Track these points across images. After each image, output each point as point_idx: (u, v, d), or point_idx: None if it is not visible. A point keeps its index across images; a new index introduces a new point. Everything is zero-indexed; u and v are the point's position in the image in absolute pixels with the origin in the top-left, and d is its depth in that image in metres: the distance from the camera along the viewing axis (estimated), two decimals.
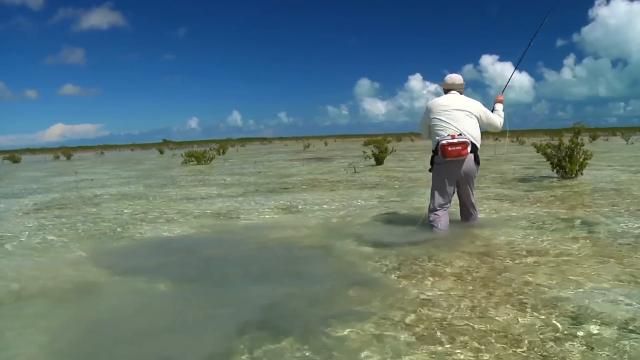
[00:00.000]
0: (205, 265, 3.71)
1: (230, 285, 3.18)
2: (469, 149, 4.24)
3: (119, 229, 5.44)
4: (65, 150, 44.01)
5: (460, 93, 4.60)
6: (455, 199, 4.68)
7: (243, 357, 2.13)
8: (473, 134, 4.36)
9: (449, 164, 4.33)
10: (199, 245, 4.46)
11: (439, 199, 4.46)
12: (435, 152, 4.38)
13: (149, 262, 3.87)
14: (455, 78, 4.60)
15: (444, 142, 4.21)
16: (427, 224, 4.58)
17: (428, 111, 4.53)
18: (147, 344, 2.30)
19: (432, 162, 4.51)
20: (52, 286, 3.31)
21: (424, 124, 4.64)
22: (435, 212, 4.47)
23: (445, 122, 4.35)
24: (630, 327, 2.26)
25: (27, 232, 5.44)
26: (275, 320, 2.52)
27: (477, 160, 4.40)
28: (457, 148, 4.18)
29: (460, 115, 4.36)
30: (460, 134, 4.26)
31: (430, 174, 4.63)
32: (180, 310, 2.75)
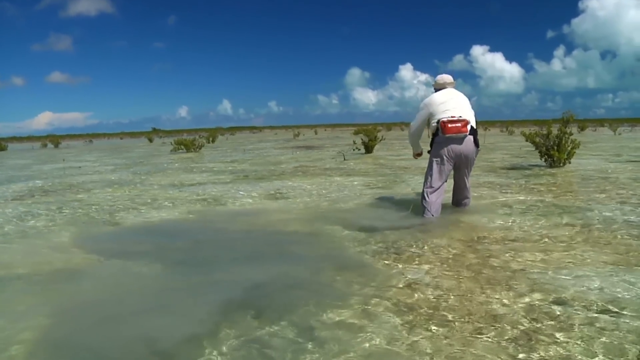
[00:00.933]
0: (191, 249, 3.69)
1: (217, 267, 3.16)
2: (468, 128, 4.36)
3: (105, 215, 5.38)
4: (53, 139, 43.27)
5: None
6: (448, 188, 4.69)
7: (226, 337, 2.11)
8: (472, 119, 4.50)
9: (448, 141, 4.40)
10: (186, 230, 4.43)
11: (435, 180, 4.49)
12: (435, 133, 4.48)
13: (135, 246, 3.83)
14: (446, 78, 4.77)
15: (445, 119, 4.35)
16: (417, 211, 4.59)
17: (427, 106, 4.58)
18: (130, 324, 2.27)
19: (431, 144, 4.58)
20: (33, 270, 3.25)
21: (422, 120, 4.65)
22: (429, 197, 4.48)
23: (447, 110, 4.43)
24: (612, 309, 2.28)
25: (9, 219, 5.36)
26: (260, 301, 2.51)
27: (476, 143, 4.50)
28: (457, 125, 4.33)
29: (460, 105, 4.50)
30: (461, 116, 4.37)
31: (425, 166, 4.67)
32: (165, 291, 2.72)
